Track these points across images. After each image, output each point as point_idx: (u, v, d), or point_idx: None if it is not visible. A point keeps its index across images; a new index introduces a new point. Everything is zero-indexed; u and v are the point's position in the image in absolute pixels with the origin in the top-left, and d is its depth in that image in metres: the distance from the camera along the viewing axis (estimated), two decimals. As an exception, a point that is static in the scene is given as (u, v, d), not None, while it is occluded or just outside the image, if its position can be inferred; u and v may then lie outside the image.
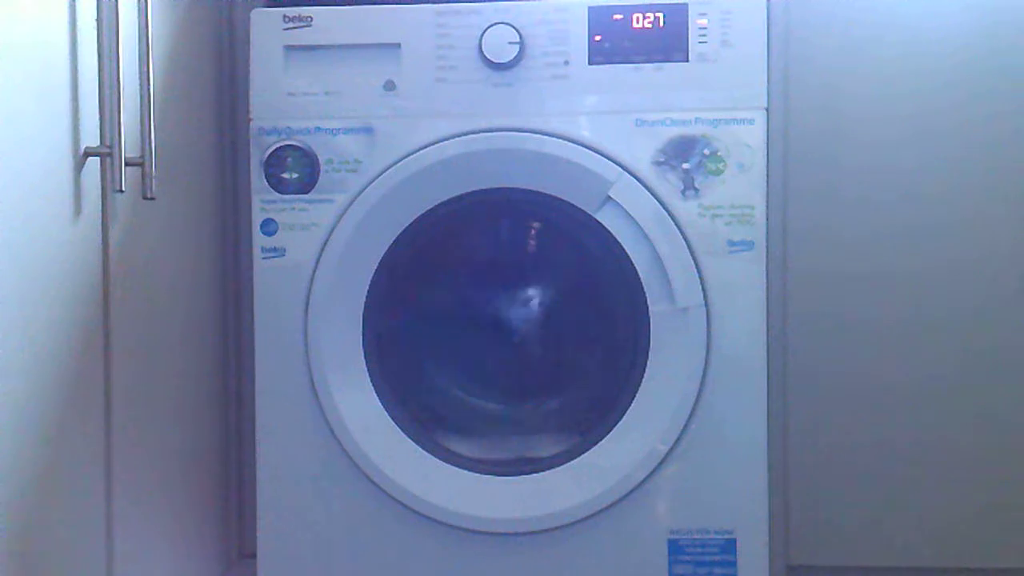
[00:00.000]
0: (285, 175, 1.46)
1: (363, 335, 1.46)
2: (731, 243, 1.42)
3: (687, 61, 1.43)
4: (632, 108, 1.43)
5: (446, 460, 1.47)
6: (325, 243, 1.45)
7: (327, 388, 1.45)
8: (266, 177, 1.46)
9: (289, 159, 1.46)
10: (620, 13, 1.43)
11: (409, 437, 1.47)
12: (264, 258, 1.46)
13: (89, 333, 1.11)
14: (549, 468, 1.46)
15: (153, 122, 1.16)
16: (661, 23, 1.43)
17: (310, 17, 1.46)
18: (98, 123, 1.12)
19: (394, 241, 1.45)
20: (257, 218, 1.46)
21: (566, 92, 1.43)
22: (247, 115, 1.47)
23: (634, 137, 1.42)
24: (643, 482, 1.43)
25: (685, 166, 1.42)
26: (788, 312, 1.46)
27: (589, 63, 1.43)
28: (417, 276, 1.54)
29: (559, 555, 1.45)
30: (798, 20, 1.46)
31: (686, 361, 1.42)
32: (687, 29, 1.43)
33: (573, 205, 1.43)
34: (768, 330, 1.43)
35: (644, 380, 1.43)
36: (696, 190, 1.42)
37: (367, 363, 1.47)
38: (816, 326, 1.47)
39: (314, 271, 1.45)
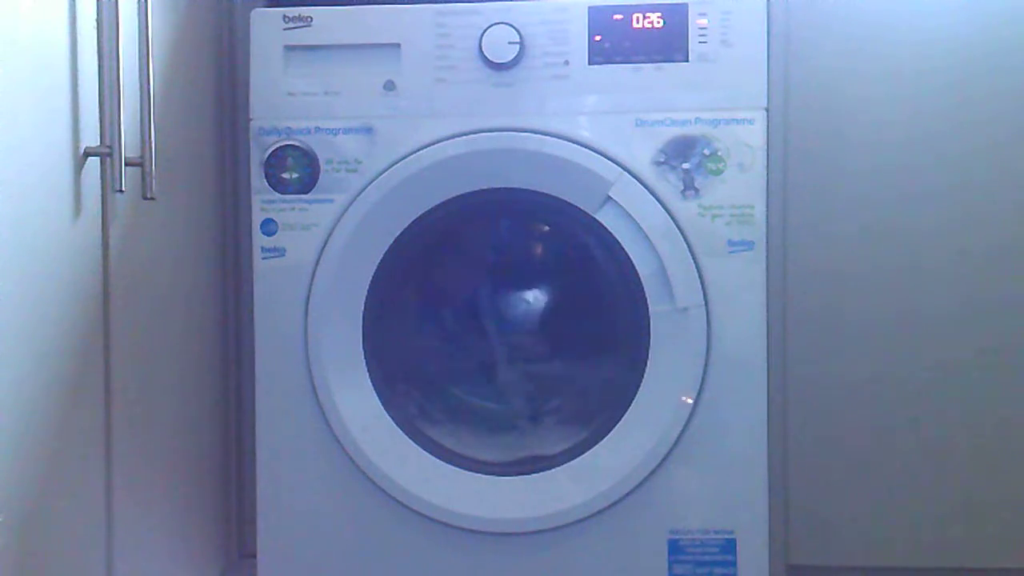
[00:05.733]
0: (285, 175, 1.46)
1: (363, 335, 1.46)
2: (731, 243, 1.42)
3: (687, 61, 1.43)
4: (632, 108, 1.43)
5: (446, 460, 1.47)
6: (325, 243, 1.45)
7: (327, 388, 1.45)
8: (266, 177, 1.46)
9: (289, 159, 1.46)
10: (620, 13, 1.43)
11: (409, 437, 1.47)
12: (264, 258, 1.46)
13: (89, 333, 1.11)
14: (549, 468, 1.46)
15: (153, 122, 1.16)
16: (661, 23, 1.43)
17: (310, 17, 1.46)
18: (98, 123, 1.12)
19: (394, 241, 1.45)
20: (257, 218, 1.46)
21: (566, 92, 1.44)
22: (247, 115, 1.47)
23: (634, 137, 1.43)
24: (643, 482, 1.43)
25: (685, 166, 1.42)
26: (788, 312, 1.46)
27: (589, 63, 1.43)
28: (417, 276, 1.54)
29: (559, 555, 1.45)
30: (798, 20, 1.46)
31: (686, 361, 1.42)
32: (687, 29, 1.43)
33: (573, 205, 1.44)
34: (768, 330, 1.43)
35: (644, 380, 1.43)
36: (696, 190, 1.42)
37: (367, 363, 1.47)
38: (816, 326, 1.47)
39: (314, 271, 1.45)
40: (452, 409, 1.56)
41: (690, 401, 1.41)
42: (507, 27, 1.43)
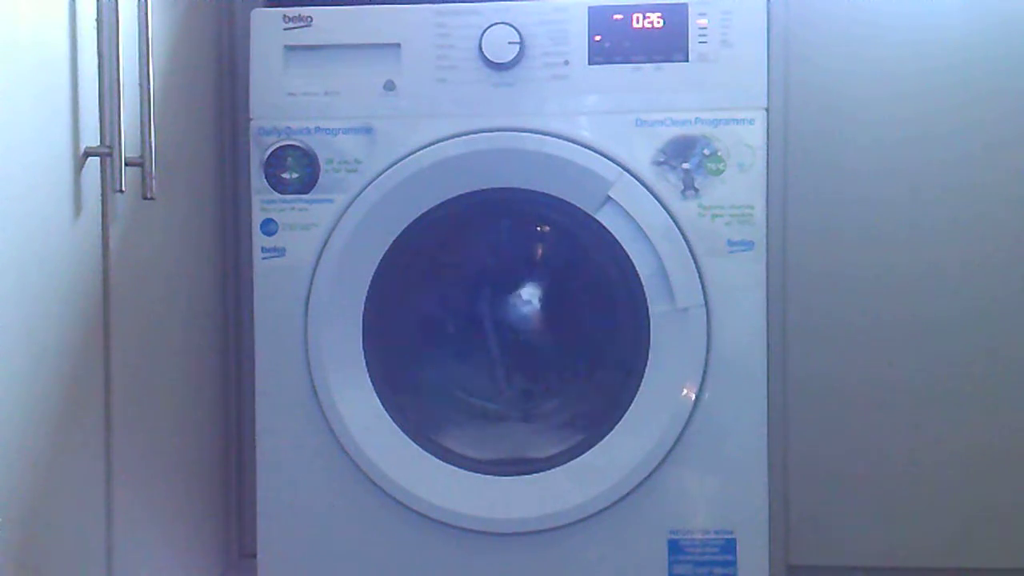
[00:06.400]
0: (285, 175, 1.46)
1: (363, 335, 1.46)
2: (731, 243, 1.42)
3: (687, 61, 1.43)
4: (632, 108, 1.43)
5: (446, 460, 1.47)
6: (325, 243, 1.45)
7: (327, 388, 1.45)
8: (266, 177, 1.46)
9: (289, 159, 1.46)
10: (620, 13, 1.43)
11: (409, 437, 1.47)
12: (264, 258, 1.46)
13: (89, 333, 1.11)
14: (549, 468, 1.46)
15: (153, 122, 1.16)
16: (661, 23, 1.43)
17: (310, 17, 1.46)
18: (98, 123, 1.12)
19: (394, 241, 1.45)
20: (257, 218, 1.46)
21: (566, 92, 1.44)
22: (247, 115, 1.47)
23: (634, 137, 1.43)
24: (643, 482, 1.43)
25: (685, 166, 1.42)
26: (788, 312, 1.46)
27: (589, 63, 1.43)
28: (417, 276, 1.54)
29: (559, 555, 1.45)
30: (798, 20, 1.46)
31: (686, 361, 1.42)
32: (687, 29, 1.43)
33: (573, 205, 1.44)
34: (768, 330, 1.43)
35: (644, 380, 1.43)
36: (696, 190, 1.42)
37: (367, 363, 1.47)
38: (816, 326, 1.47)
39: (314, 271, 1.45)
40: (452, 409, 1.56)
41: (692, 395, 1.41)
42: (507, 27, 1.43)
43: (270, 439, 1.47)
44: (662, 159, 1.42)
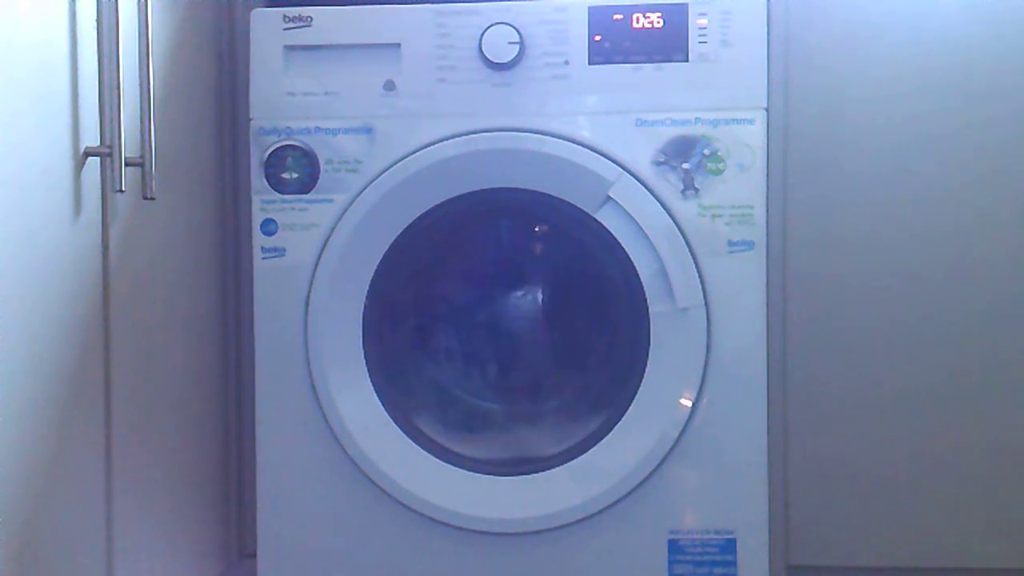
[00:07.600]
0: (285, 175, 1.46)
1: (363, 335, 1.46)
2: (731, 243, 1.42)
3: (687, 61, 1.43)
4: (632, 108, 1.43)
5: (446, 460, 1.47)
6: (325, 243, 1.45)
7: (327, 388, 1.45)
8: (266, 177, 1.46)
9: (289, 159, 1.46)
10: (620, 13, 1.43)
11: (409, 437, 1.47)
12: (264, 258, 1.46)
13: (89, 333, 1.11)
14: (549, 468, 1.46)
15: (153, 122, 1.16)
16: (661, 23, 1.43)
17: (310, 17, 1.46)
18: (98, 123, 1.12)
19: (394, 241, 1.45)
20: (257, 218, 1.46)
21: (566, 92, 1.44)
22: (247, 115, 1.47)
23: (634, 137, 1.43)
24: (643, 482, 1.43)
25: (685, 166, 1.42)
26: (788, 312, 1.46)
27: (589, 63, 1.43)
28: (417, 276, 1.54)
29: (559, 555, 1.45)
30: (798, 20, 1.46)
31: (686, 361, 1.42)
32: (687, 29, 1.43)
33: (573, 205, 1.44)
34: (768, 330, 1.43)
35: (644, 380, 1.43)
36: (696, 190, 1.42)
37: (367, 363, 1.47)
38: (816, 326, 1.47)
39: (314, 271, 1.45)
40: (452, 409, 1.56)
41: (688, 404, 1.41)
42: (507, 27, 1.43)
43: (270, 439, 1.47)
44: (662, 159, 1.42)
